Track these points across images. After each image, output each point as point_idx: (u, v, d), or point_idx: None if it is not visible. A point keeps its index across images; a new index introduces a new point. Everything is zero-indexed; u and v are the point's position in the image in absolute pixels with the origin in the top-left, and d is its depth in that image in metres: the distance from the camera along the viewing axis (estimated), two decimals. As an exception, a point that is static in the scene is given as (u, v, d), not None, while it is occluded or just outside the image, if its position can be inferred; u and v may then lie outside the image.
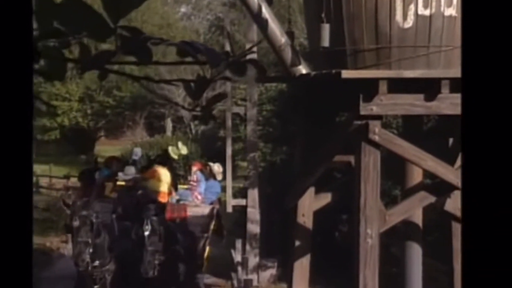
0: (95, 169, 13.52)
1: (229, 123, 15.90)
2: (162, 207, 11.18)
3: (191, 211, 11.89)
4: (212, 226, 11.79)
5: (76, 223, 9.05)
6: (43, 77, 1.65)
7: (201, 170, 13.18)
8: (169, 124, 40.57)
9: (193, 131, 36.71)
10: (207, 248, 11.63)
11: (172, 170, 12.97)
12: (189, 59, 1.64)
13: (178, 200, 12.50)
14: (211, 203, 12.53)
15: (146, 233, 9.50)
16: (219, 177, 13.30)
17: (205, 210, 12.05)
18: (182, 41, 1.67)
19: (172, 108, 38.76)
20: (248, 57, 1.73)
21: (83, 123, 39.85)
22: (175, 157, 13.85)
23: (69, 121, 38.92)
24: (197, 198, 12.69)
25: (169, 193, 12.15)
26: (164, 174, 11.97)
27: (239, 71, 1.59)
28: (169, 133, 38.25)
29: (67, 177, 29.08)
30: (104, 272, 9.72)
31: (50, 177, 30.15)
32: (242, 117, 19.96)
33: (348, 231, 14.09)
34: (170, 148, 13.88)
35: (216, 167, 13.25)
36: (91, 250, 9.18)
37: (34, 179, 26.48)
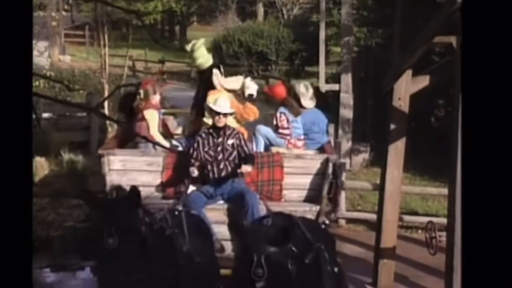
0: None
1: (322, 6, 15.47)
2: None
3: (289, 165, 7.29)
4: (325, 190, 7.14)
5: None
6: None
7: (285, 105, 7.86)
8: (260, 9, 40.14)
9: (285, 16, 36.21)
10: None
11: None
12: None
13: (267, 147, 7.76)
14: (320, 149, 7.78)
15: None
16: (312, 103, 7.98)
17: (313, 163, 7.27)
18: None
19: (264, -8, 38.23)
20: None
21: (176, 8, 40.04)
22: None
23: (162, 6, 39.22)
24: (297, 146, 7.76)
25: (246, 129, 7.80)
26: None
27: None
28: (260, 18, 37.93)
29: (161, 61, 29.63)
30: None
31: (146, 61, 30.78)
32: (336, 0, 19.47)
33: (445, 116, 13.82)
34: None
35: (303, 87, 7.97)
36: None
37: (130, 63, 27.10)
